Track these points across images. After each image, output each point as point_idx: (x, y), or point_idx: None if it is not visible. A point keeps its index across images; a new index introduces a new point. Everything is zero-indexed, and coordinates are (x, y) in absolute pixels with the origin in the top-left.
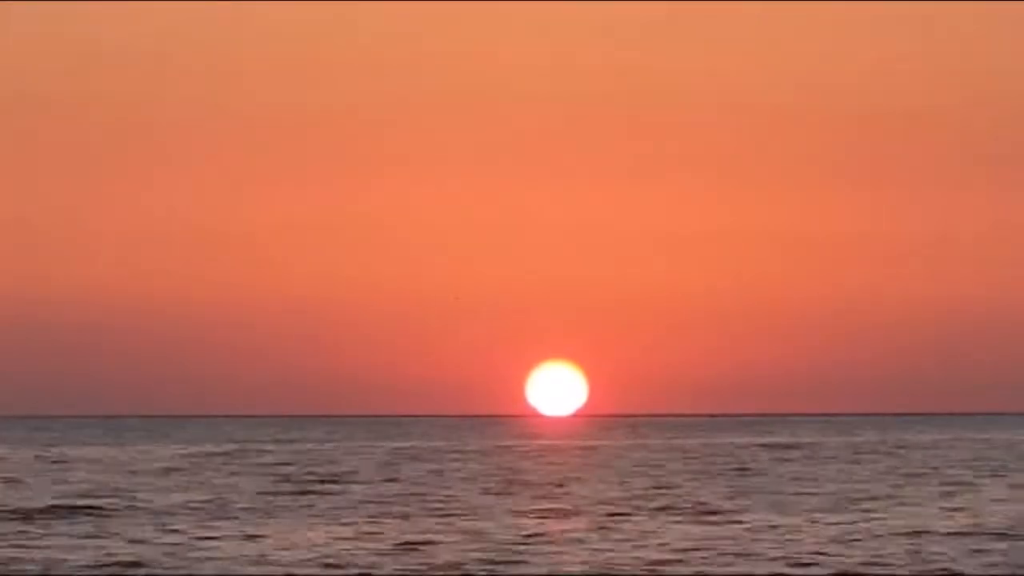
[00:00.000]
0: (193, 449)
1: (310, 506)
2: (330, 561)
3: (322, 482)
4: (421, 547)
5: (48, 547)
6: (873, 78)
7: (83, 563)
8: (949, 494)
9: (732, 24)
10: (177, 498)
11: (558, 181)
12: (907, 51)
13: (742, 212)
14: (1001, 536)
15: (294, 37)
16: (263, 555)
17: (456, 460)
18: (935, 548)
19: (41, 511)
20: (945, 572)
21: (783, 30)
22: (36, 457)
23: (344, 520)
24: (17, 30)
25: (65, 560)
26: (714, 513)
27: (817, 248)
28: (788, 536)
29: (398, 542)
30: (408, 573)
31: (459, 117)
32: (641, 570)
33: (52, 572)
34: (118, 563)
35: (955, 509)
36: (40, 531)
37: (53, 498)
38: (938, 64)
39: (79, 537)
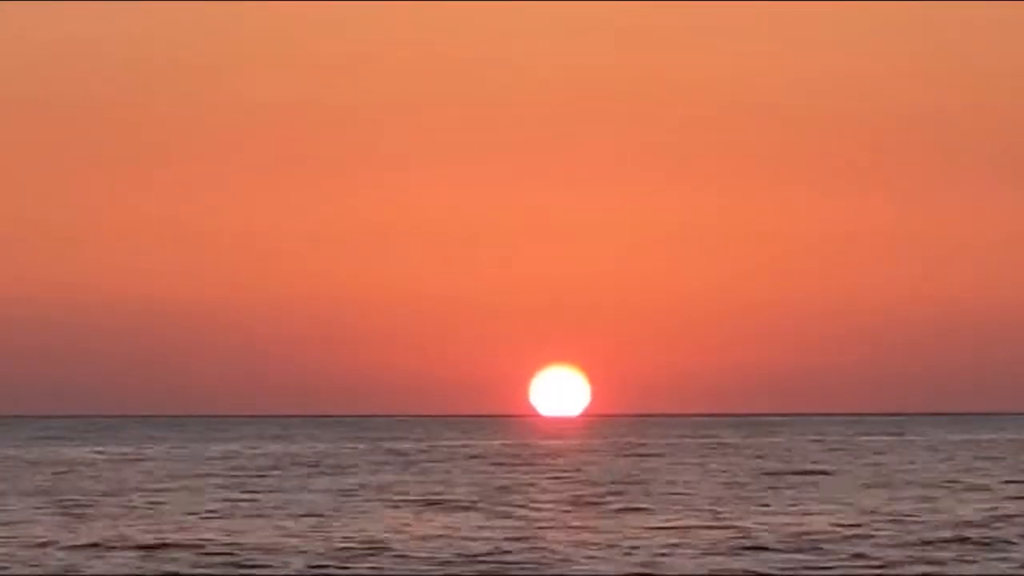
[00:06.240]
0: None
1: None
2: None
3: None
4: None
5: None
6: (873, 79)
7: None
8: None
9: (732, 25)
10: None
11: (562, 183)
12: (907, 52)
13: (742, 212)
14: None
15: (295, 37)
16: None
17: None
18: None
19: None
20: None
21: (783, 31)
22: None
23: None
24: (17, 30)
25: None
26: None
27: (817, 248)
28: None
29: None
30: None
31: (462, 118)
32: None
33: None
34: None
35: None
36: None
37: None
38: (939, 65)
39: None
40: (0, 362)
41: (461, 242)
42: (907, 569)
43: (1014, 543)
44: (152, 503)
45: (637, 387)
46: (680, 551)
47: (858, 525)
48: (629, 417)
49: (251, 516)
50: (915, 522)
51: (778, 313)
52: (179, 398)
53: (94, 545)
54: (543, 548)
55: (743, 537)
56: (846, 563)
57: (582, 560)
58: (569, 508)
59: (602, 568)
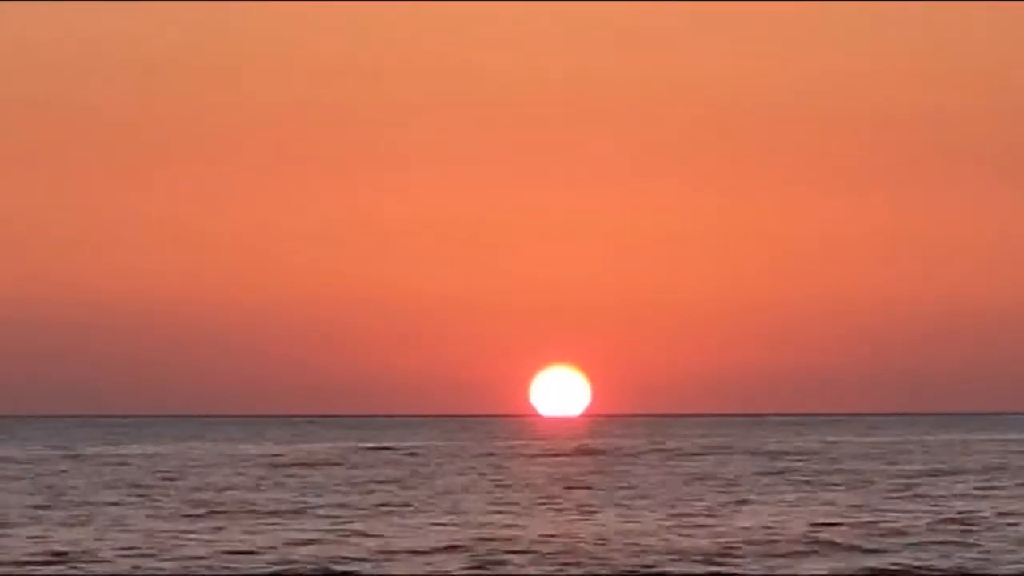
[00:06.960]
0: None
1: None
2: None
3: None
4: None
5: None
6: (872, 79)
7: None
8: None
9: (733, 25)
10: None
11: (562, 183)
12: (907, 52)
13: (742, 212)
14: None
15: (296, 38)
16: None
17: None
18: None
19: None
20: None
21: (783, 31)
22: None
23: None
24: (17, 30)
25: None
26: None
27: (817, 248)
28: None
29: None
30: None
31: (463, 118)
32: None
33: None
34: None
35: None
36: None
37: None
38: (938, 65)
39: None
40: (0, 362)
41: (461, 242)
42: None
43: None
44: None
45: (637, 387)
46: None
47: None
48: (629, 417)
49: None
50: None
51: (778, 313)
52: (179, 398)
53: None
54: None
55: None
56: None
57: None
58: None
59: None
